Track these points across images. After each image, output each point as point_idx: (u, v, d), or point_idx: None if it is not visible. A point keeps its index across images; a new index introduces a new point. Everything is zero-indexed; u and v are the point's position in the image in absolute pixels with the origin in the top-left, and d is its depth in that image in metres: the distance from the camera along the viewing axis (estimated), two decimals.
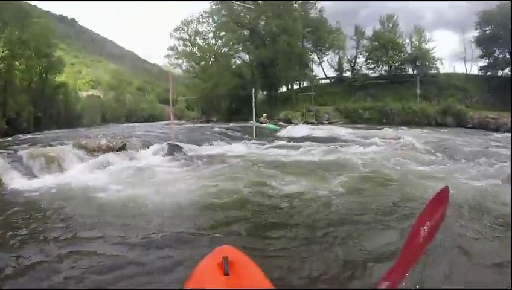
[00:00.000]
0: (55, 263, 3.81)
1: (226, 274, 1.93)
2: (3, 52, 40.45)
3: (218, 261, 2.03)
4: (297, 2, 53.91)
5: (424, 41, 51.57)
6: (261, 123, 28.75)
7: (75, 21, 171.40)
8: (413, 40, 52.62)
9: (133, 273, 3.59)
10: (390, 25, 54.18)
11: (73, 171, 9.19)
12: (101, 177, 8.40)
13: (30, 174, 8.85)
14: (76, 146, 11.13)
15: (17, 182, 8.12)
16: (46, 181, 8.17)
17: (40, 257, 3.96)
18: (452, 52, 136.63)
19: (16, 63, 43.26)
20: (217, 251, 2.22)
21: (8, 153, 9.92)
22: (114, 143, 11.46)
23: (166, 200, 6.10)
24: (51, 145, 11.54)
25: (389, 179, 7.80)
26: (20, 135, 30.18)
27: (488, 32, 47.58)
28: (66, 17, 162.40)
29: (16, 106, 38.82)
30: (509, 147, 10.90)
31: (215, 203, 5.93)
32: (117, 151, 11.26)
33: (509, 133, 20.50)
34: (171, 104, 18.13)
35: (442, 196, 2.09)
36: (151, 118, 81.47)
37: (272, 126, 28.04)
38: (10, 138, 27.24)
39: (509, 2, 37.68)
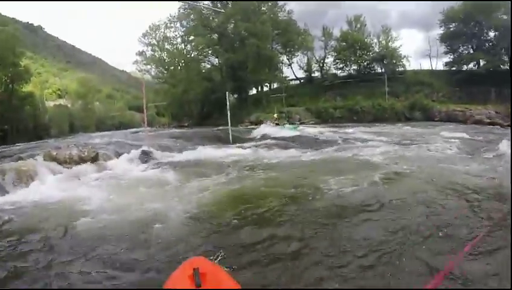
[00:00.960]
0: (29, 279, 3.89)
1: (198, 286, 1.91)
2: None
3: (189, 273, 1.99)
4: (266, 5, 54.27)
5: (390, 40, 53.54)
6: (276, 124, 27.57)
7: (42, 28, 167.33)
8: (380, 39, 54.03)
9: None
10: (358, 26, 55.53)
11: (46, 185, 8.97)
12: (75, 190, 8.25)
13: (1, 190, 8.70)
14: (47, 158, 10.90)
15: None
16: (19, 196, 7.98)
17: (14, 275, 4.00)
18: (417, 49, 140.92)
19: None
20: (188, 262, 2.18)
21: None
22: (86, 153, 11.28)
23: (140, 211, 6.05)
24: (20, 159, 11.29)
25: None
26: None
27: (452, 29, 49.97)
28: (32, 24, 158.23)
29: None
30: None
31: (190, 212, 5.89)
32: (90, 161, 11.12)
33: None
34: (144, 110, 18.15)
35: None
36: (122, 126, 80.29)
37: (289, 127, 26.90)
38: None
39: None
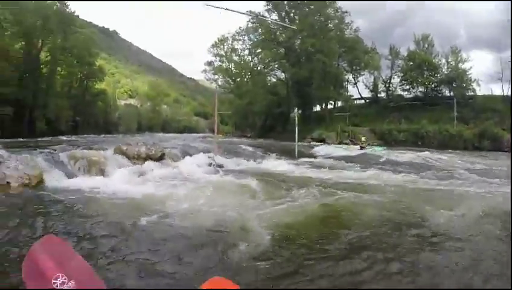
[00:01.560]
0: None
1: None
2: (46, 57, 42.61)
3: None
4: (333, 22, 53.86)
5: (460, 62, 49.90)
6: (361, 148, 27.06)
7: (116, 33, 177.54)
8: (449, 60, 51.09)
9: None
10: (426, 45, 53.02)
11: (114, 176, 9.27)
12: (139, 185, 8.43)
13: (72, 174, 9.04)
14: (117, 152, 11.27)
15: (58, 181, 8.30)
16: (87, 183, 8.22)
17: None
18: (488, 72, 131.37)
19: (58, 68, 45.60)
20: (208, 283, 2.02)
21: (50, 153, 10.08)
22: (153, 152, 11.56)
23: (193, 213, 5.92)
24: (91, 149, 11.74)
25: None
26: (59, 137, 31.59)
27: None
28: (108, 28, 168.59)
29: (55, 109, 40.80)
30: None
31: (239, 222, 5.41)
32: (156, 160, 11.36)
33: None
34: (215, 118, 18.34)
35: None
36: (186, 130, 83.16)
37: (377, 149, 26.30)
38: (49, 138, 28.48)
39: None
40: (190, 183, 8.94)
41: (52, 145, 13.18)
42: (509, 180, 7.66)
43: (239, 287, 1.92)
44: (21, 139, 24.33)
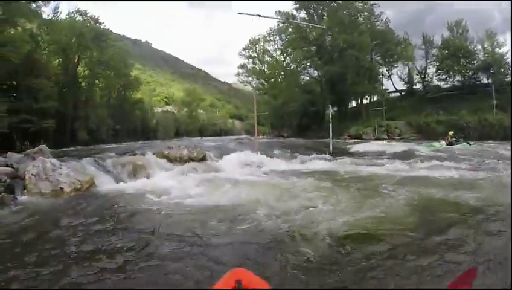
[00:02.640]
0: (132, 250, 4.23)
1: None
2: (84, 71, 45.06)
3: (231, 285, 1.95)
4: (363, 15, 53.08)
5: (497, 46, 47.08)
6: (449, 144, 25.11)
7: (149, 43, 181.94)
8: (485, 45, 48.93)
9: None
10: (460, 31, 50.94)
11: (158, 178, 9.68)
12: (182, 185, 8.68)
13: (119, 179, 9.53)
14: (159, 156, 11.69)
15: (107, 185, 8.81)
16: (133, 186, 8.72)
17: (121, 243, 4.46)
18: None
19: (96, 81, 48.13)
20: (230, 274, 2.10)
21: (96, 160, 10.62)
22: (195, 154, 11.91)
23: (236, 211, 5.99)
24: (135, 154, 12.20)
25: None
26: (101, 145, 32.94)
27: None
28: (140, 40, 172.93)
29: (96, 119, 43.02)
30: None
31: (276, 218, 5.40)
32: (198, 161, 11.67)
33: None
34: (255, 121, 18.85)
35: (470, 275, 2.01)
36: (223, 133, 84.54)
37: (465, 145, 24.80)
38: (92, 147, 29.72)
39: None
40: (227, 182, 9.05)
41: (96, 153, 13.70)
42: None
43: (259, 278, 2.04)
44: (65, 149, 25.46)
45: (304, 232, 4.73)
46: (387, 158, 15.10)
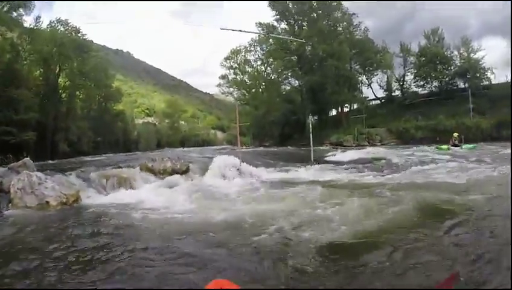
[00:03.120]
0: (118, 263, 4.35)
1: None
2: (65, 82, 44.64)
3: None
4: (342, 25, 54.12)
5: (472, 52, 48.93)
6: (454, 145, 25.22)
7: (130, 54, 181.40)
8: (461, 51, 50.36)
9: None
10: (436, 39, 52.44)
11: (143, 190, 9.83)
12: (167, 197, 8.84)
13: (103, 192, 9.69)
14: (143, 168, 11.81)
15: (93, 198, 8.98)
16: (119, 198, 8.89)
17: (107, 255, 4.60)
18: (503, 59, 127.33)
19: (77, 92, 47.67)
20: (212, 284, 2.10)
21: (81, 173, 10.86)
22: (178, 166, 12.05)
23: (219, 221, 6.21)
24: (119, 167, 12.33)
25: None
26: (82, 157, 32.59)
27: None
28: (122, 50, 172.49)
29: (77, 130, 42.45)
30: None
31: (259, 228, 5.54)
32: (181, 174, 11.83)
33: None
34: (237, 132, 18.82)
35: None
36: (205, 143, 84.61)
37: (468, 147, 24.86)
38: (73, 159, 29.38)
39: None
40: (211, 192, 9.43)
41: (78, 166, 13.83)
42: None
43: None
44: (50, 162, 25.26)
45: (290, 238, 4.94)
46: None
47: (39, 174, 8.78)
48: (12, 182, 8.37)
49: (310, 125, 22.67)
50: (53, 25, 43.55)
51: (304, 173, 13.85)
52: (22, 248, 5.12)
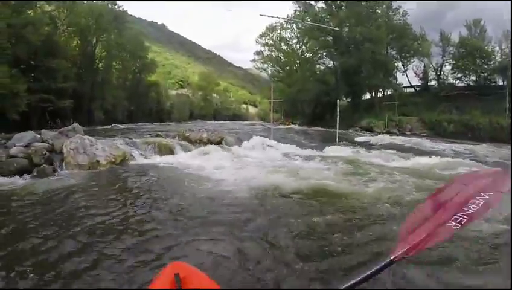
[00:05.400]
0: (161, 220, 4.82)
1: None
2: (101, 53, 45.57)
3: (170, 279, 1.81)
4: (381, 8, 53.23)
5: None
6: None
7: (165, 26, 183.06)
8: (502, 46, 48.87)
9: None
10: (478, 31, 50.84)
11: (181, 157, 10.67)
12: (203, 163, 9.57)
13: (147, 155, 10.57)
14: (181, 137, 12.65)
15: (138, 160, 9.93)
16: (161, 160, 9.96)
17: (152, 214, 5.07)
18: None
19: (113, 63, 48.67)
20: (168, 268, 1.95)
21: (126, 139, 11.83)
22: (213, 137, 12.85)
23: (238, 187, 6.68)
24: (159, 135, 13.20)
25: None
26: (118, 125, 33.62)
27: None
28: (156, 22, 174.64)
29: (112, 99, 43.93)
30: None
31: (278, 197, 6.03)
32: (216, 144, 12.59)
33: None
34: (271, 109, 19.99)
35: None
36: (236, 117, 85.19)
37: None
38: (109, 127, 30.44)
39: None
40: (238, 162, 10.12)
41: (115, 134, 15.03)
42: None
43: (200, 273, 1.83)
44: (86, 128, 26.40)
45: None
46: None
47: (90, 137, 9.61)
48: (64, 144, 9.19)
49: (338, 109, 23.07)
50: None
51: (326, 151, 14.69)
52: (79, 196, 5.90)
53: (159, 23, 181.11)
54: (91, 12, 41.17)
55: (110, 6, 46.07)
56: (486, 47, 48.13)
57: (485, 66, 47.80)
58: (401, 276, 3.06)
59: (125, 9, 50.11)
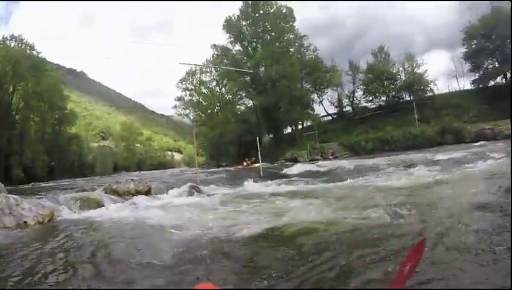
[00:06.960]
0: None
1: None
2: (19, 104, 43.13)
3: None
4: (294, 46, 56.87)
5: (416, 67, 54.09)
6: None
7: (84, 73, 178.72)
8: (405, 67, 55.09)
9: None
10: (383, 56, 56.53)
11: (111, 209, 10.85)
12: (132, 214, 9.74)
13: (75, 211, 10.64)
14: (108, 190, 12.84)
15: (66, 217, 9.84)
16: (90, 215, 9.89)
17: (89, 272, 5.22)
18: (446, 71, 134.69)
19: (31, 115, 46.51)
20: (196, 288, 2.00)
21: (50, 196, 11.68)
22: (141, 187, 13.13)
23: (179, 234, 6.86)
24: (85, 190, 13.28)
25: None
26: (39, 183, 31.51)
27: (474, 46, 49.81)
28: (75, 70, 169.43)
29: (31, 155, 41.49)
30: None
31: (224, 238, 6.25)
32: (144, 194, 12.91)
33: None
34: (195, 154, 20.46)
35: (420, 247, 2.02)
36: (161, 166, 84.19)
37: None
38: (29, 185, 28.60)
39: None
40: (171, 209, 10.46)
41: (37, 192, 14.80)
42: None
43: None
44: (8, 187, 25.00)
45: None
46: None
47: (15, 196, 9.59)
48: None
49: (258, 145, 24.67)
50: (7, 41, 42.76)
51: (250, 186, 16.02)
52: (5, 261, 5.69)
53: (78, 70, 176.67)
54: (8, 57, 39.33)
55: (27, 51, 44.21)
56: (391, 69, 54.05)
57: (392, 86, 53.97)
58: None
59: (43, 56, 48.52)
